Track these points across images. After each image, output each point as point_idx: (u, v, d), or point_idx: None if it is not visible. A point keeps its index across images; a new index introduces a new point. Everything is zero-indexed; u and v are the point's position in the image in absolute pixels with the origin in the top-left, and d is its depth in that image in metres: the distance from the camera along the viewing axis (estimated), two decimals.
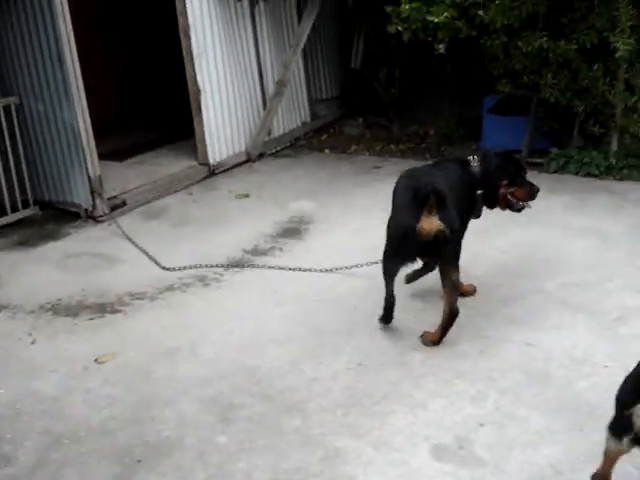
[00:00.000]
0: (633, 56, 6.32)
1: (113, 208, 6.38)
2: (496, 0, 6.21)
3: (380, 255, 4.12)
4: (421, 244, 3.81)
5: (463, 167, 4.39)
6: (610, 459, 2.82)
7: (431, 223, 3.74)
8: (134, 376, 3.93)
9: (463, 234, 4.27)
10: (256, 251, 5.41)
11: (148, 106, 9.00)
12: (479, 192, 4.37)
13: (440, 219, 3.75)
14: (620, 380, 3.54)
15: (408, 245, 3.89)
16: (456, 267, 4.04)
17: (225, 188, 6.94)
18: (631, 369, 3.62)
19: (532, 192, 4.48)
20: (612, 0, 6.12)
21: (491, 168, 4.36)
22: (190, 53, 6.99)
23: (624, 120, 6.45)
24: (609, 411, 3.32)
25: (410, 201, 3.84)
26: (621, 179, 6.56)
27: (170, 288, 4.94)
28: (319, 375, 3.76)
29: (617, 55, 6.00)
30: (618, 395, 2.78)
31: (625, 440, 2.67)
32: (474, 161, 4.40)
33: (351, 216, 5.95)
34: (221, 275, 5.06)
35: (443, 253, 3.95)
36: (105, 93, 8.52)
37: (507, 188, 4.39)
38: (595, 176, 6.63)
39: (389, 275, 4.04)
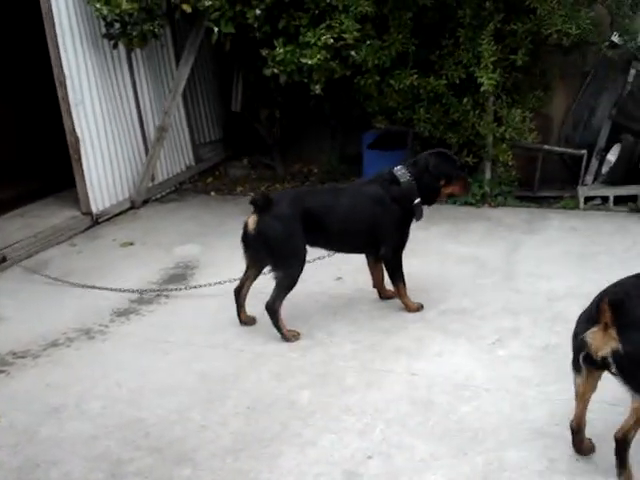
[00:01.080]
0: (498, 89, 6.67)
1: None
2: (367, 41, 6.44)
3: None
4: None
5: (385, 186, 4.56)
6: (580, 398, 3.17)
7: None
8: (19, 438, 3.79)
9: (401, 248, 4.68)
10: (142, 300, 5.34)
11: (30, 156, 8.78)
12: (416, 202, 4.58)
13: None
14: (500, 401, 3.72)
15: None
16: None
17: (109, 237, 6.84)
18: (511, 389, 3.80)
19: (467, 185, 4.89)
20: (475, 37, 6.46)
21: (426, 173, 4.62)
22: (67, 103, 6.89)
23: (495, 150, 6.76)
24: (491, 433, 3.48)
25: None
26: (496, 206, 6.87)
27: (54, 344, 4.80)
28: (208, 422, 3.73)
29: (482, 89, 6.30)
30: (574, 331, 3.12)
31: (581, 360, 3.01)
32: (403, 174, 4.57)
33: (239, 258, 5.94)
34: (106, 327, 4.97)
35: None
36: None
37: (446, 187, 4.56)
38: (472, 204, 6.91)
39: None
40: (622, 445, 3.00)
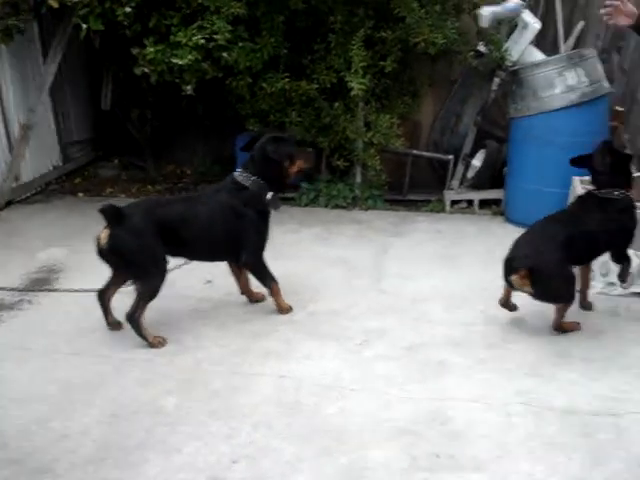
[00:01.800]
0: (368, 94, 6.81)
1: None
2: (239, 43, 6.42)
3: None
4: None
5: (234, 194, 4.57)
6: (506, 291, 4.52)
7: None
8: None
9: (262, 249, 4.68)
10: (2, 305, 5.11)
11: None
12: (269, 196, 4.60)
13: None
14: (365, 401, 3.79)
15: None
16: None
17: None
18: (376, 389, 3.88)
19: (309, 157, 5.02)
20: (346, 43, 6.56)
21: (268, 163, 4.63)
22: None
23: (364, 154, 6.89)
24: (356, 433, 3.55)
25: None
26: (366, 209, 7.01)
27: None
28: (69, 432, 3.61)
29: (352, 94, 6.41)
30: (506, 257, 4.42)
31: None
32: (245, 177, 4.62)
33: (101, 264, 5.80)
34: None
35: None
36: None
37: (292, 167, 4.67)
38: (343, 207, 7.02)
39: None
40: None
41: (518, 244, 4.47)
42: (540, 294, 4.36)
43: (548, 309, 4.45)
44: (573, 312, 4.52)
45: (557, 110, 6.32)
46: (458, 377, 4.05)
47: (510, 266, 4.36)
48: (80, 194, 7.75)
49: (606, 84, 6.52)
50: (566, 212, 4.76)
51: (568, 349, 4.34)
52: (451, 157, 7.35)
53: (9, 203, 7.35)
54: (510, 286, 4.43)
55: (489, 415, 3.70)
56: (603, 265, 4.99)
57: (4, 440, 3.59)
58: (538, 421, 3.65)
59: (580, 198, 4.75)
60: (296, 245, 6.01)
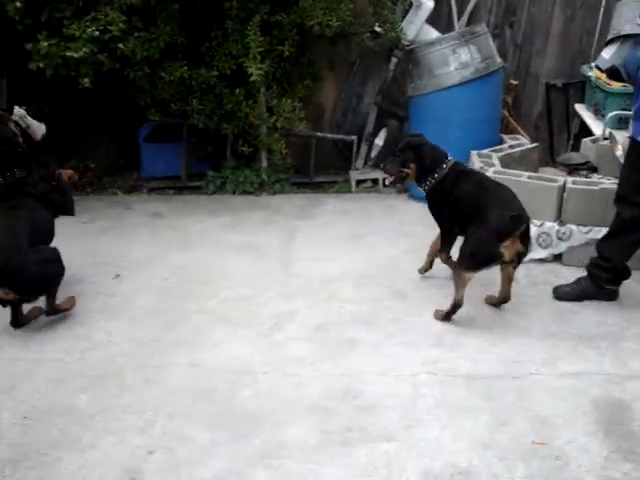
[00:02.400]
0: (269, 80, 6.84)
1: None
2: (135, 33, 6.34)
3: None
4: None
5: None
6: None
7: None
8: None
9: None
10: None
11: None
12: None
13: None
14: (276, 383, 3.86)
15: None
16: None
17: None
18: (287, 371, 3.96)
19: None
20: (243, 29, 6.56)
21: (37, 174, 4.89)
22: None
23: (268, 139, 6.93)
24: (269, 414, 3.63)
25: None
26: (274, 194, 7.05)
27: None
28: None
29: (252, 79, 6.43)
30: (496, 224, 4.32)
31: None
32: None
33: None
34: None
35: None
36: None
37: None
38: (250, 193, 7.04)
39: None
40: None
41: (513, 200, 4.44)
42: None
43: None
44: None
45: (452, 87, 6.50)
46: (367, 353, 4.17)
47: (519, 220, 4.27)
48: None
49: (498, 59, 6.73)
50: None
51: (471, 318, 4.52)
52: (354, 138, 7.47)
53: None
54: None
55: (398, 387, 3.84)
56: None
57: None
58: (445, 389, 3.82)
59: None
60: (205, 233, 6.02)
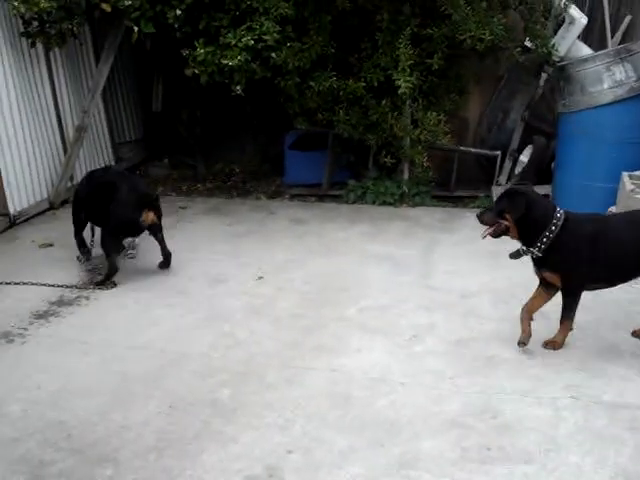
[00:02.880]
0: (415, 92, 6.86)
1: None
2: (287, 43, 6.53)
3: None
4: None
5: None
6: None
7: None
8: None
9: None
10: (62, 301, 5.29)
11: None
12: None
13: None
14: (415, 394, 3.85)
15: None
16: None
17: (28, 238, 6.72)
18: (426, 383, 3.94)
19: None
20: (393, 41, 6.62)
21: None
22: None
23: (411, 151, 6.94)
24: (407, 425, 3.62)
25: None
26: (413, 206, 7.06)
27: None
28: (129, 422, 3.74)
29: (399, 92, 6.47)
30: None
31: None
32: None
33: (159, 259, 5.96)
34: (25, 329, 4.90)
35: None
36: None
37: None
38: (390, 204, 7.08)
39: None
40: None
41: None
42: None
43: (595, 307, 4.43)
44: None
45: (605, 105, 6.31)
46: (507, 372, 4.09)
47: None
48: None
49: None
50: None
51: (616, 344, 4.35)
52: (498, 153, 7.37)
53: (64, 202, 7.56)
54: None
55: (538, 409, 3.74)
56: None
57: (67, 431, 3.74)
58: (587, 415, 3.69)
59: None
60: (345, 242, 6.10)
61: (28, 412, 3.95)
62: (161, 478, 3.33)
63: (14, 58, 7.05)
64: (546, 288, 4.29)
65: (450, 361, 4.20)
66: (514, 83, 7.63)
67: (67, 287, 5.50)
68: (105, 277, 5.53)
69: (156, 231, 5.62)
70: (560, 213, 4.11)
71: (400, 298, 5.04)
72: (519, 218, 4.15)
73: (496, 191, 7.15)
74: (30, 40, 7.00)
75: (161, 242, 5.68)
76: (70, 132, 7.71)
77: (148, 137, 9.12)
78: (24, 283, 5.59)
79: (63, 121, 7.72)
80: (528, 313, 4.30)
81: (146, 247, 6.11)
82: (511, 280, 5.32)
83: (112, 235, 5.51)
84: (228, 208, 7.28)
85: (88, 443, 3.62)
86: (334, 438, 3.53)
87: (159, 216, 5.55)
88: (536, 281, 4.40)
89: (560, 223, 4.08)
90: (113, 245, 5.55)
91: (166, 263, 5.70)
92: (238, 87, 6.69)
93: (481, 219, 4.33)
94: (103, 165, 7.57)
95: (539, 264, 4.25)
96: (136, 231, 5.57)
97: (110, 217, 5.43)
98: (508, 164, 7.32)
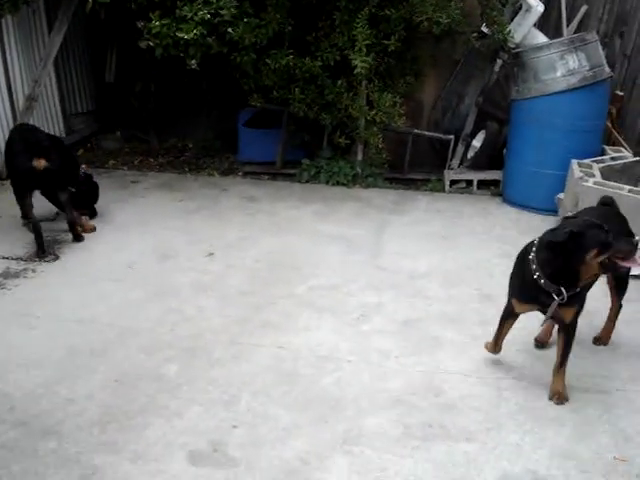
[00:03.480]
0: (371, 73, 6.86)
1: None
2: (244, 19, 6.46)
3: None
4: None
5: None
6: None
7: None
8: None
9: None
10: (7, 274, 5.20)
11: None
12: None
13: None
14: (360, 372, 3.88)
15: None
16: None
17: None
18: (372, 361, 3.98)
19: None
20: (351, 21, 6.61)
21: None
22: None
23: (366, 132, 6.96)
24: (352, 402, 3.66)
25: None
26: (367, 187, 7.09)
27: None
28: (75, 396, 3.72)
29: (355, 72, 6.47)
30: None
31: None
32: None
33: (108, 233, 5.91)
34: None
35: None
36: None
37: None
38: (344, 185, 7.10)
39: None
40: None
41: None
42: None
43: None
44: None
45: (558, 93, 6.39)
46: (452, 352, 4.16)
47: None
48: (83, 166, 7.78)
49: (607, 69, 6.57)
50: None
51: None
52: (452, 137, 7.42)
53: None
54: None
55: (481, 389, 3.81)
56: None
57: (11, 403, 3.70)
58: (528, 395, 3.77)
59: None
60: (296, 221, 6.10)
61: None
62: (105, 452, 3.32)
63: None
64: (514, 319, 3.94)
65: (396, 340, 4.26)
66: (469, 68, 7.68)
67: (13, 259, 5.42)
68: (37, 246, 5.50)
69: (55, 187, 5.66)
70: None
71: (350, 277, 5.07)
72: None
73: (448, 175, 7.22)
74: None
75: (65, 206, 5.73)
76: (20, 101, 7.53)
77: (100, 109, 8.96)
78: None
79: (13, 90, 7.53)
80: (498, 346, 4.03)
81: (94, 223, 6.05)
82: (459, 262, 5.40)
83: (15, 187, 5.58)
84: (180, 184, 7.23)
85: (32, 415, 3.59)
86: (279, 414, 3.56)
87: (57, 167, 5.48)
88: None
89: None
90: (20, 200, 5.58)
91: (72, 233, 5.77)
92: (193, 61, 6.60)
93: (622, 253, 3.48)
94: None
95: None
96: (31, 179, 5.44)
97: (7, 168, 5.81)
98: (461, 148, 7.38)
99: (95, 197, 6.22)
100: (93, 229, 5.93)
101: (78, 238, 5.73)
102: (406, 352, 4.12)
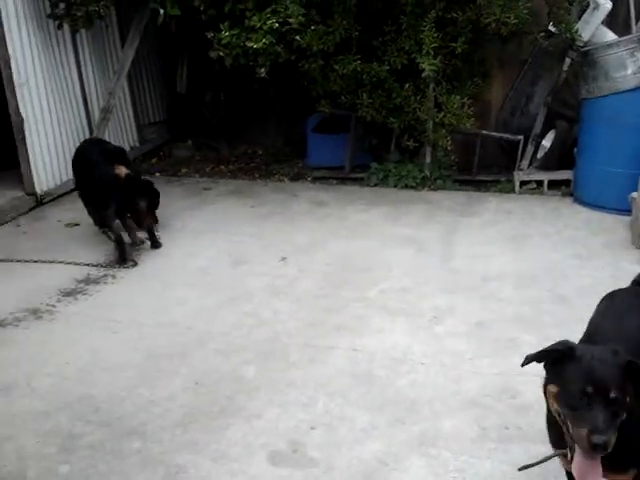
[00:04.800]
0: (439, 76, 6.87)
1: None
2: (312, 26, 6.56)
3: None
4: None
5: None
6: None
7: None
8: None
9: None
10: (89, 280, 5.40)
11: None
12: None
13: None
14: (435, 374, 3.90)
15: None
16: None
17: (54, 217, 6.84)
18: (446, 363, 3.99)
19: None
20: (417, 25, 6.63)
21: None
22: (11, 83, 6.84)
23: (434, 135, 6.96)
24: (427, 404, 3.69)
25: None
26: (435, 189, 7.09)
27: (1, 324, 4.83)
28: (157, 398, 3.84)
29: (423, 75, 6.49)
30: None
31: None
32: None
33: (183, 239, 6.07)
34: (54, 307, 5.01)
35: None
36: None
37: None
38: (412, 188, 7.12)
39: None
40: None
41: None
42: None
43: None
44: None
45: (629, 91, 6.28)
46: (527, 354, 4.13)
47: None
48: (157, 174, 8.02)
49: None
50: None
51: None
52: (521, 138, 7.36)
53: None
54: None
55: None
56: None
57: (97, 405, 3.85)
58: None
59: None
60: (366, 224, 6.15)
61: (57, 387, 4.06)
62: (187, 451, 3.42)
63: (41, 40, 7.15)
64: None
65: (470, 342, 4.26)
66: (537, 68, 7.61)
67: (93, 266, 5.61)
68: (118, 254, 5.64)
69: (133, 194, 5.73)
70: None
71: (421, 280, 5.10)
72: None
73: (518, 176, 7.16)
74: (57, 22, 7.08)
75: (142, 213, 5.82)
76: (96, 113, 7.80)
77: (172, 119, 9.19)
78: (51, 261, 5.71)
79: (89, 102, 7.82)
80: None
81: (169, 230, 6.21)
82: (531, 264, 5.36)
83: (100, 201, 5.71)
84: (251, 190, 7.36)
85: (116, 417, 3.73)
86: (355, 415, 3.61)
87: (134, 173, 5.75)
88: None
89: None
90: (104, 211, 5.70)
91: (151, 241, 5.91)
92: (262, 70, 6.74)
93: None
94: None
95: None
96: (116, 187, 5.58)
97: (89, 181, 5.81)
98: (530, 149, 7.31)
99: (156, 203, 6.32)
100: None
101: (156, 245, 5.88)
102: (480, 354, 4.12)
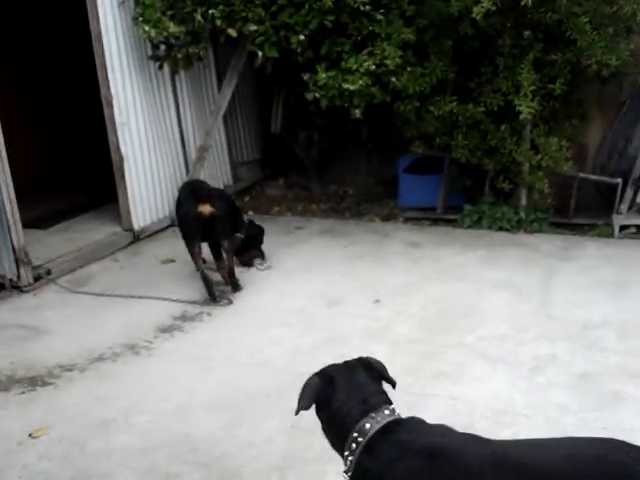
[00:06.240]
0: (536, 117, 6.77)
1: (37, 278, 6.35)
2: (408, 68, 6.57)
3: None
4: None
5: None
6: None
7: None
8: (69, 450, 3.93)
9: None
10: (185, 317, 5.48)
11: (75, 172, 9.16)
12: None
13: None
14: (539, 427, 3.78)
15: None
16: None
17: (150, 253, 7.00)
18: (550, 416, 3.87)
19: None
20: (514, 66, 6.56)
21: None
22: (113, 122, 7.09)
23: (531, 177, 6.84)
24: None
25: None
26: (531, 232, 6.94)
27: (100, 358, 4.95)
28: (254, 439, 3.85)
29: (521, 117, 6.40)
30: None
31: None
32: None
33: (276, 279, 6.11)
34: (151, 343, 5.11)
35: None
36: (31, 159, 8.50)
37: None
38: (507, 230, 6.99)
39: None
40: None
41: None
42: None
43: None
44: None
45: None
46: (635, 408, 3.97)
47: None
48: (250, 212, 8.11)
49: None
50: None
51: None
52: (619, 181, 7.16)
53: None
54: None
55: None
56: None
57: (194, 444, 3.87)
58: None
59: None
60: (461, 267, 6.06)
61: (155, 424, 4.11)
62: None
63: (142, 80, 7.39)
64: None
65: (574, 394, 4.11)
66: (637, 109, 7.41)
67: (189, 303, 5.70)
68: (207, 292, 5.74)
69: (220, 233, 5.84)
70: None
71: (520, 327, 4.97)
72: None
73: (617, 220, 6.95)
74: (158, 63, 7.32)
75: (227, 252, 5.91)
76: (192, 152, 7.98)
77: (265, 158, 9.33)
78: (148, 297, 5.83)
79: (186, 141, 8.01)
80: None
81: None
82: (635, 312, 5.16)
83: (185, 239, 5.92)
84: (343, 229, 7.37)
85: (214, 458, 3.75)
86: None
87: (221, 213, 5.79)
88: None
89: None
90: (190, 249, 5.87)
91: (231, 283, 5.91)
92: (357, 111, 6.78)
93: None
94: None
95: None
96: (199, 224, 5.72)
97: (177, 219, 6.17)
98: (630, 192, 7.09)
99: (261, 240, 6.45)
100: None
101: (236, 287, 5.90)
102: (586, 407, 3.97)
